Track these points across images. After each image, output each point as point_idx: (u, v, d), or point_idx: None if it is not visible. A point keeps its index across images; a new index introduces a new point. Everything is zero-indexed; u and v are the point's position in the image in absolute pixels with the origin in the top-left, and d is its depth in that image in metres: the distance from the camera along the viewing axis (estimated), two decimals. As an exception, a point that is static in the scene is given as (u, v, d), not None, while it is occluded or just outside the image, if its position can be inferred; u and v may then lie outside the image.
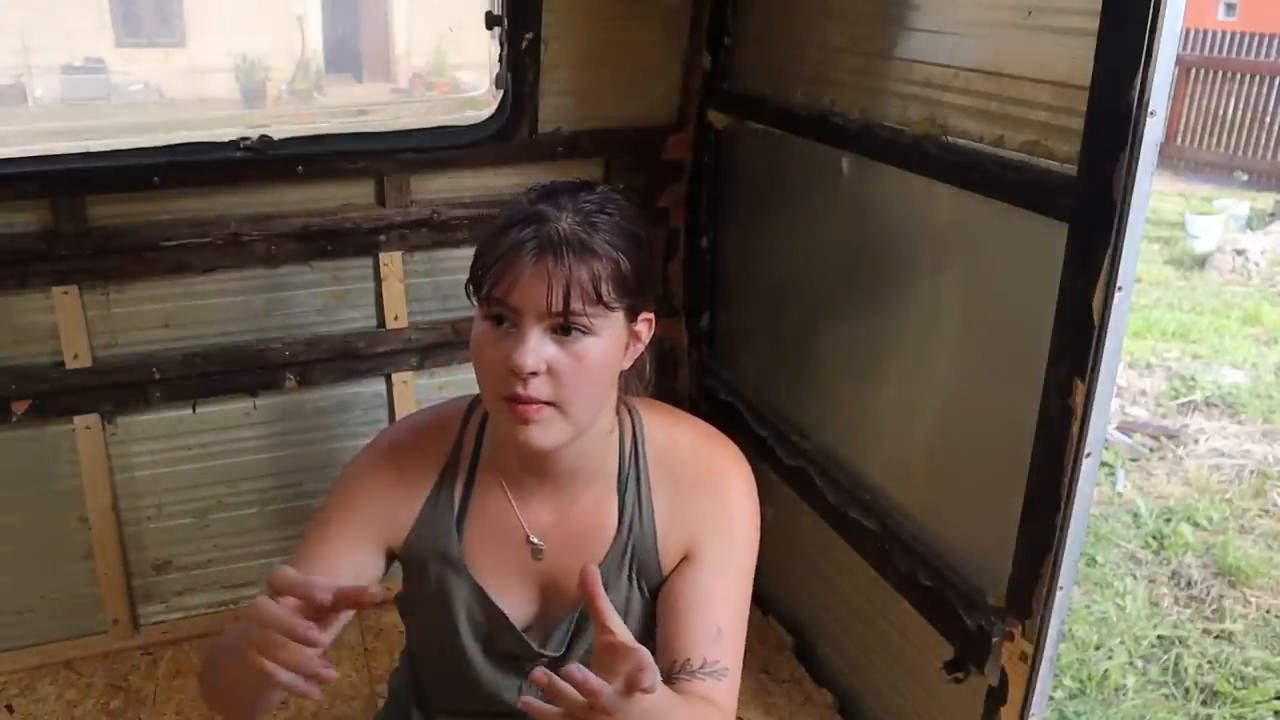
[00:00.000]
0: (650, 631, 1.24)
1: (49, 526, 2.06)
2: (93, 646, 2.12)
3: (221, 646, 1.13)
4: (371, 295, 2.17)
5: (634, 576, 1.22)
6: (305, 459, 2.20)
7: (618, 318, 1.09)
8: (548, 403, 1.06)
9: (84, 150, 2.03)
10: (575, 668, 0.87)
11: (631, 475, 1.21)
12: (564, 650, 1.23)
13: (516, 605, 1.23)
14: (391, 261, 2.15)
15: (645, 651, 0.91)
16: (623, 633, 0.95)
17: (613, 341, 1.10)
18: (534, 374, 1.04)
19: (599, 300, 1.05)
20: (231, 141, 2.02)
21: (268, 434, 2.16)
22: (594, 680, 0.87)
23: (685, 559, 1.21)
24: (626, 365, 1.16)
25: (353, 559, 1.21)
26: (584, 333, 1.06)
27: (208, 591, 2.20)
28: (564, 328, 1.05)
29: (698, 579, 1.19)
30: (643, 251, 1.12)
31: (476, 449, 1.24)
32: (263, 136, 2.02)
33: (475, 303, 1.11)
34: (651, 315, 1.16)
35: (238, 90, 15.80)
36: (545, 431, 1.08)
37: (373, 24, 18.19)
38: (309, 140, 2.15)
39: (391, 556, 1.25)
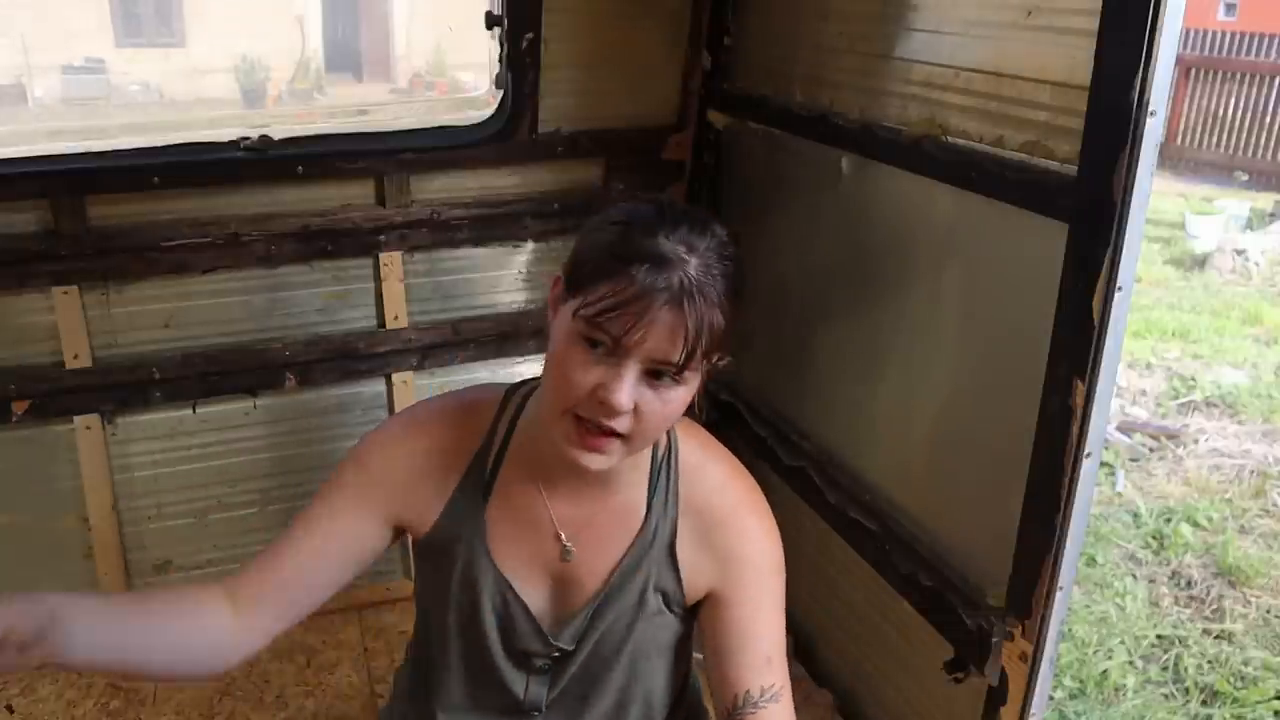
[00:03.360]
0: (656, 637, 1.25)
1: (49, 526, 2.06)
2: (93, 646, 2.12)
3: None
4: (371, 295, 2.17)
5: (649, 581, 1.22)
6: (305, 459, 2.20)
7: (702, 367, 1.10)
8: (621, 435, 1.07)
9: (84, 150, 2.04)
10: None
11: (661, 483, 1.22)
12: (576, 644, 1.24)
13: (536, 598, 1.24)
14: (391, 261, 2.15)
15: None
16: None
17: (693, 388, 1.11)
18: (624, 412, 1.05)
19: (705, 358, 1.06)
20: (231, 141, 2.02)
21: (268, 434, 2.16)
22: None
23: (721, 600, 1.22)
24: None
25: (357, 529, 1.21)
26: (676, 383, 1.07)
27: (208, 591, 2.20)
28: (658, 373, 1.05)
29: (738, 618, 1.21)
30: (742, 305, 1.11)
31: (506, 438, 1.23)
32: (263, 136, 2.02)
33: (566, 301, 1.07)
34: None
35: (238, 90, 15.81)
36: (607, 459, 1.09)
37: (373, 24, 18.21)
38: (309, 140, 2.15)
39: (399, 532, 1.25)
